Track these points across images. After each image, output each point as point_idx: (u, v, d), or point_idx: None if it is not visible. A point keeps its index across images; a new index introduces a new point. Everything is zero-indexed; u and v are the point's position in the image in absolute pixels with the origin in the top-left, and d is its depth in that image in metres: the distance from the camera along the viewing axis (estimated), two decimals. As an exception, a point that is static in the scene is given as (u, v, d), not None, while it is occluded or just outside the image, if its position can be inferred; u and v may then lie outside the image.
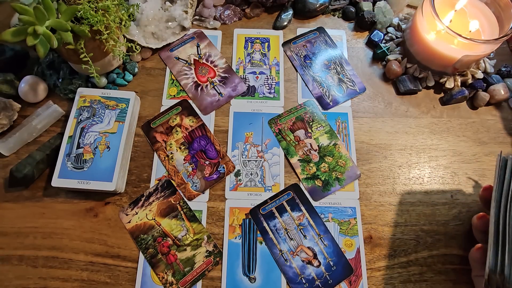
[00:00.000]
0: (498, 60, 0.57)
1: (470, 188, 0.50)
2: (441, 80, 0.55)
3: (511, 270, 0.34)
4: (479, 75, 0.55)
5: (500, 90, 0.54)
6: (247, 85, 0.56)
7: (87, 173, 0.46)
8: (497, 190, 0.38)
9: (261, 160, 0.50)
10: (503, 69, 0.56)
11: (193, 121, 0.52)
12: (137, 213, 0.47)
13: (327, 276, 0.44)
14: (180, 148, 0.50)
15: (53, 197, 0.48)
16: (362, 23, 0.60)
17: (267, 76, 0.56)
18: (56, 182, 0.45)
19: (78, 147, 0.47)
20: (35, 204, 0.47)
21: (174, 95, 0.54)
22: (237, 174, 0.49)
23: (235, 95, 0.55)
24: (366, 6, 0.60)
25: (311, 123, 0.53)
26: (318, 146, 0.51)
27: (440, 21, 0.48)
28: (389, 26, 0.60)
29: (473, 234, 0.43)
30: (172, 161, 0.50)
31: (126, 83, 0.55)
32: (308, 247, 0.45)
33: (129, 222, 0.46)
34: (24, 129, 0.50)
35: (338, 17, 0.63)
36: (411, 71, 0.56)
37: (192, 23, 0.60)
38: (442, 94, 0.56)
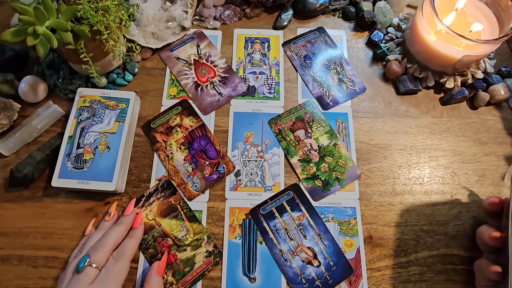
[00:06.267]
0: (498, 60, 0.57)
1: (470, 188, 0.50)
2: (441, 80, 0.55)
3: None
4: (479, 75, 0.55)
5: (500, 90, 0.54)
6: (247, 85, 0.56)
7: (87, 173, 0.46)
8: None
9: (261, 160, 0.50)
10: (503, 69, 0.56)
11: (193, 121, 0.52)
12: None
13: (327, 276, 0.44)
14: (180, 148, 0.50)
15: (53, 197, 0.48)
16: (362, 23, 0.60)
17: (267, 76, 0.56)
18: (56, 182, 0.45)
19: (78, 147, 0.47)
20: (35, 204, 0.47)
21: (174, 95, 0.54)
22: (237, 174, 0.49)
23: (235, 95, 0.55)
24: (366, 6, 0.60)
25: (311, 123, 0.53)
26: (318, 146, 0.51)
27: (440, 21, 0.48)
28: (389, 26, 0.60)
29: (477, 244, 0.43)
30: (172, 161, 0.50)
31: (126, 83, 0.55)
32: (308, 247, 0.45)
33: (129, 222, 0.46)
34: (24, 129, 0.50)
35: (338, 17, 0.63)
36: (411, 71, 0.56)
37: (192, 23, 0.60)
38: (442, 94, 0.56)
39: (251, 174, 0.49)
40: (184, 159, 0.50)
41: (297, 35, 0.60)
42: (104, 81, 0.53)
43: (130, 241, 0.43)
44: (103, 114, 0.49)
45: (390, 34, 0.59)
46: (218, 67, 0.57)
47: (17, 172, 0.46)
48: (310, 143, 0.51)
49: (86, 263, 0.38)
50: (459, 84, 0.55)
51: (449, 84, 0.54)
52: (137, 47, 0.53)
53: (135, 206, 0.47)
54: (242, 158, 0.50)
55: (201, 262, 0.44)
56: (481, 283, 0.41)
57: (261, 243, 0.46)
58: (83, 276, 0.38)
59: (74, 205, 0.47)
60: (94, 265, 0.38)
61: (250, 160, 0.50)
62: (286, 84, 0.56)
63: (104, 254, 0.40)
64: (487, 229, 0.40)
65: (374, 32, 0.59)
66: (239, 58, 0.58)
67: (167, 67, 0.57)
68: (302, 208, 0.47)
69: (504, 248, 0.37)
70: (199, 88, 0.55)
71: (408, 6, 0.63)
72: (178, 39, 0.58)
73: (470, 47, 0.48)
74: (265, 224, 0.46)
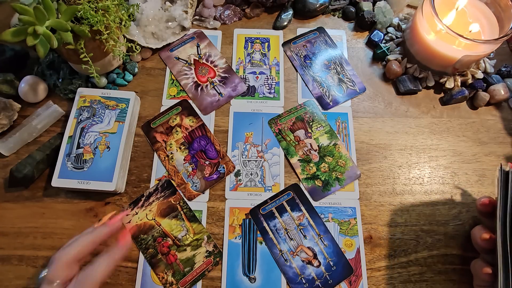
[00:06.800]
0: (498, 60, 0.57)
1: (470, 188, 0.50)
2: (441, 80, 0.55)
3: None
4: (479, 75, 0.55)
5: (500, 90, 0.54)
6: (247, 85, 0.56)
7: (87, 173, 0.46)
8: (501, 208, 0.36)
9: (261, 160, 0.50)
10: (503, 69, 0.56)
11: (193, 121, 0.52)
12: (137, 213, 0.47)
13: (327, 276, 0.44)
14: (180, 148, 0.50)
15: (53, 197, 0.48)
16: (362, 23, 0.60)
17: (267, 76, 0.56)
18: (56, 182, 0.45)
19: (78, 147, 0.47)
20: (35, 204, 0.47)
21: (174, 95, 0.54)
22: (237, 174, 0.49)
23: (235, 95, 0.55)
24: (366, 6, 0.60)
25: (311, 123, 0.53)
26: (318, 146, 0.51)
27: (440, 21, 0.48)
28: (389, 26, 0.60)
29: (472, 244, 0.43)
30: (172, 161, 0.50)
31: (126, 83, 0.55)
32: (308, 247, 0.45)
33: (129, 222, 0.46)
34: (24, 129, 0.50)
35: (338, 17, 0.63)
36: (411, 71, 0.56)
37: (192, 23, 0.60)
38: (442, 94, 0.56)
39: (251, 174, 0.49)
40: (184, 159, 0.50)
41: (297, 35, 0.60)
42: (104, 81, 0.53)
43: (101, 263, 0.35)
44: (103, 114, 0.49)
45: (390, 34, 0.59)
46: (218, 67, 0.57)
47: (17, 172, 0.46)
48: (310, 143, 0.51)
49: (43, 275, 0.34)
50: (459, 84, 0.55)
51: (449, 84, 0.54)
52: (137, 47, 0.53)
53: (134, 207, 0.47)
54: (242, 158, 0.50)
55: (201, 262, 0.44)
56: (478, 283, 0.41)
57: (261, 243, 0.46)
58: None
59: (74, 205, 0.47)
60: (55, 284, 0.33)
61: (250, 160, 0.50)
62: (286, 84, 0.56)
63: (61, 268, 0.34)
64: (479, 231, 0.40)
65: (374, 32, 0.59)
66: (239, 58, 0.58)
67: (167, 67, 0.57)
68: (302, 208, 0.47)
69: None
70: (199, 88, 0.55)
71: (408, 6, 0.63)
72: (178, 39, 0.58)
73: (470, 47, 0.48)
74: (265, 224, 0.46)
